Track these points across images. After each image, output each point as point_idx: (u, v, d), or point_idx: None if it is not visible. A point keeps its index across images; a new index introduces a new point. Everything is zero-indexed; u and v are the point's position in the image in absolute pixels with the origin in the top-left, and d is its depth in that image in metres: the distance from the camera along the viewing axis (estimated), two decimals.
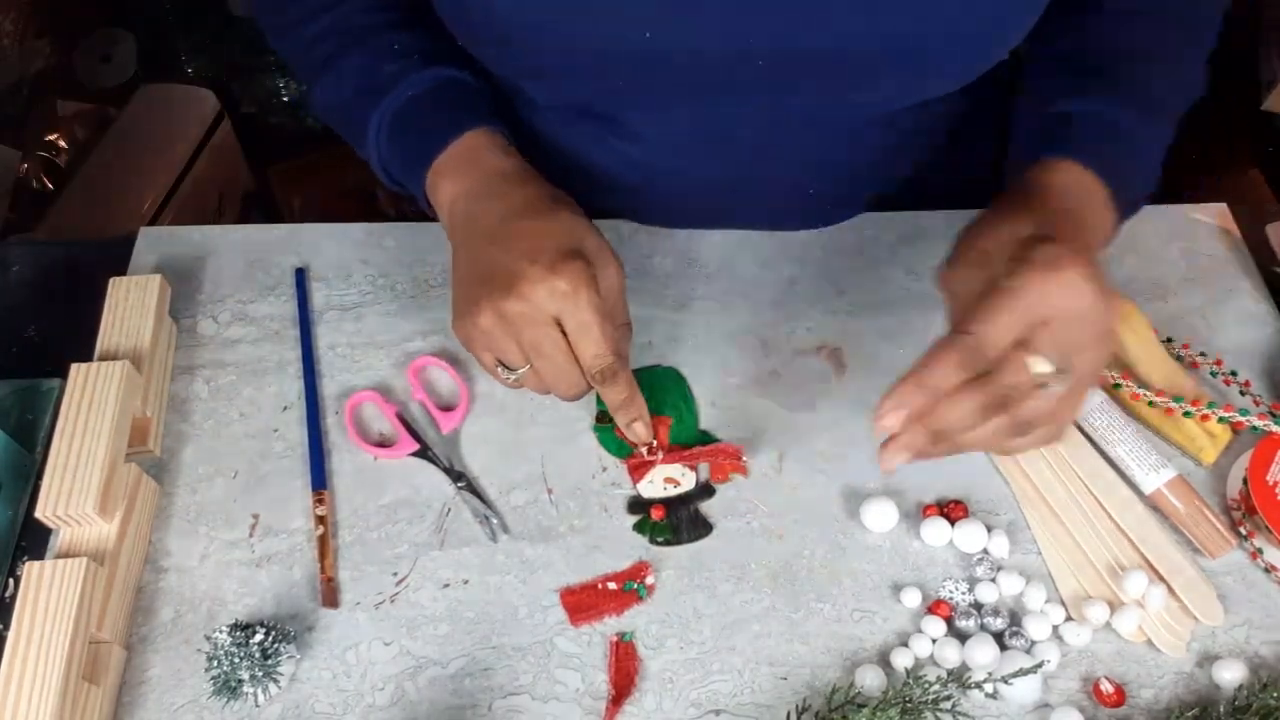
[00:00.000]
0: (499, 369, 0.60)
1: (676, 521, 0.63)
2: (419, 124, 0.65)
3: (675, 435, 0.67)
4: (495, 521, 0.63)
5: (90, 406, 0.61)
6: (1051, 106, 0.63)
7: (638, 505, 0.64)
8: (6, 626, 0.55)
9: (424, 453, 0.66)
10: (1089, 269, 0.51)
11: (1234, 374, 0.68)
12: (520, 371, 0.59)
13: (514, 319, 0.57)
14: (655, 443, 0.65)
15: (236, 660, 0.55)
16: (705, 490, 0.65)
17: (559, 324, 0.57)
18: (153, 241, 0.77)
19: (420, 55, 0.66)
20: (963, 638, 0.59)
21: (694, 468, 0.65)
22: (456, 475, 0.65)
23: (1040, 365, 0.50)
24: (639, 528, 0.63)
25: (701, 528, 0.63)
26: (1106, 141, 0.60)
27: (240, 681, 0.55)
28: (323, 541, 0.62)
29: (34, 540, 0.63)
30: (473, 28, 0.63)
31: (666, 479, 0.65)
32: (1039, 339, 0.50)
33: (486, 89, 0.67)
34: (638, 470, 0.65)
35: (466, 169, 0.63)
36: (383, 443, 0.67)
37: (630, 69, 0.62)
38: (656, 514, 0.63)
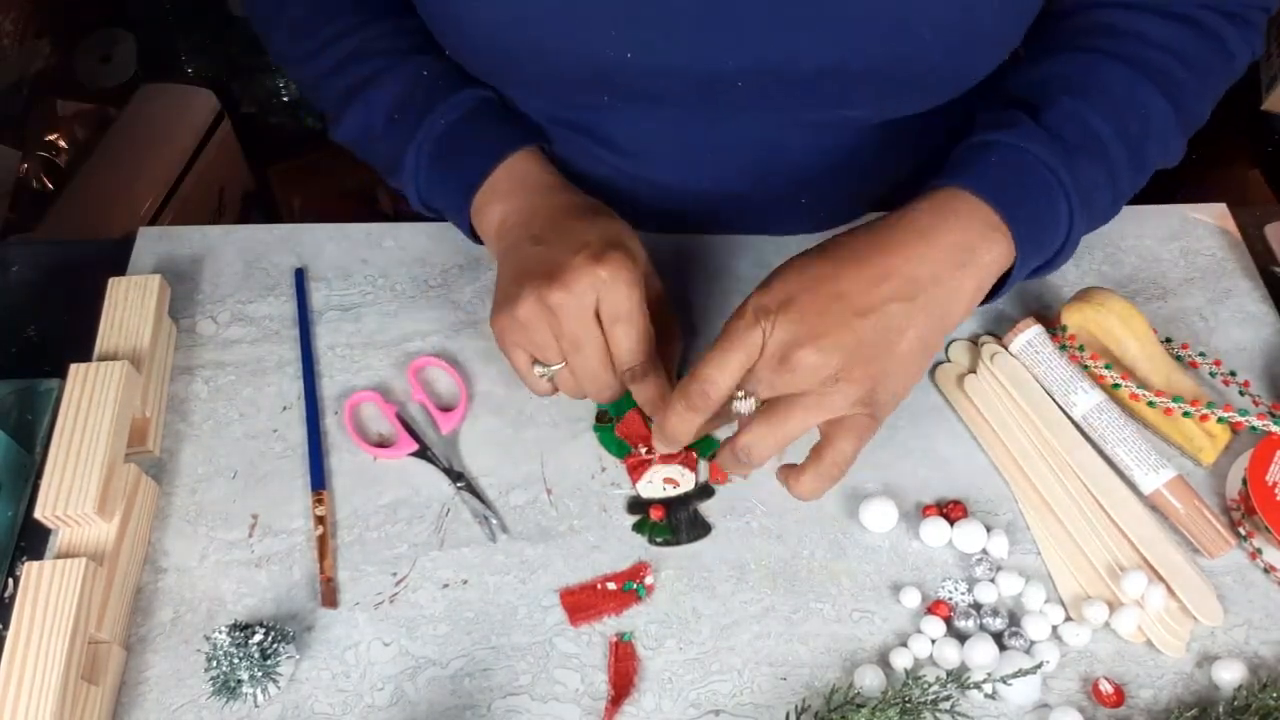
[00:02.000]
0: (533, 367, 0.60)
1: (676, 522, 0.63)
2: (459, 151, 0.65)
3: None
4: (494, 522, 0.63)
5: (89, 407, 0.61)
6: (968, 140, 0.62)
7: (637, 505, 0.64)
8: (6, 626, 0.55)
9: (423, 453, 0.66)
10: (792, 314, 0.54)
11: (1233, 374, 0.68)
12: (555, 368, 0.60)
13: (555, 309, 0.57)
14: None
15: (236, 660, 0.55)
16: (704, 491, 0.65)
17: (599, 319, 0.58)
18: (152, 241, 0.77)
19: (450, 79, 0.66)
20: (962, 638, 0.59)
21: (694, 468, 0.65)
22: (456, 475, 0.65)
23: (738, 404, 0.56)
24: (638, 528, 0.63)
25: (700, 528, 0.63)
26: (1006, 168, 0.59)
27: (239, 682, 0.55)
28: (322, 542, 0.62)
29: (33, 540, 0.63)
30: (459, 42, 0.64)
31: (666, 479, 0.65)
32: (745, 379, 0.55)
33: (516, 109, 0.68)
34: (637, 470, 0.65)
35: (511, 191, 0.64)
36: (382, 443, 0.67)
37: (613, 86, 0.62)
38: (656, 514, 0.63)
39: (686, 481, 0.65)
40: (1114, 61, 0.62)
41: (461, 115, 0.65)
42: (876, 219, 0.59)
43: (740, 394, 0.55)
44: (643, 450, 0.66)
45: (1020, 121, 0.60)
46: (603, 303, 0.57)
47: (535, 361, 0.61)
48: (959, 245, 0.56)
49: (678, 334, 0.66)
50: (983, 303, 0.59)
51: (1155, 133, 0.62)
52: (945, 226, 0.56)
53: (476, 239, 0.66)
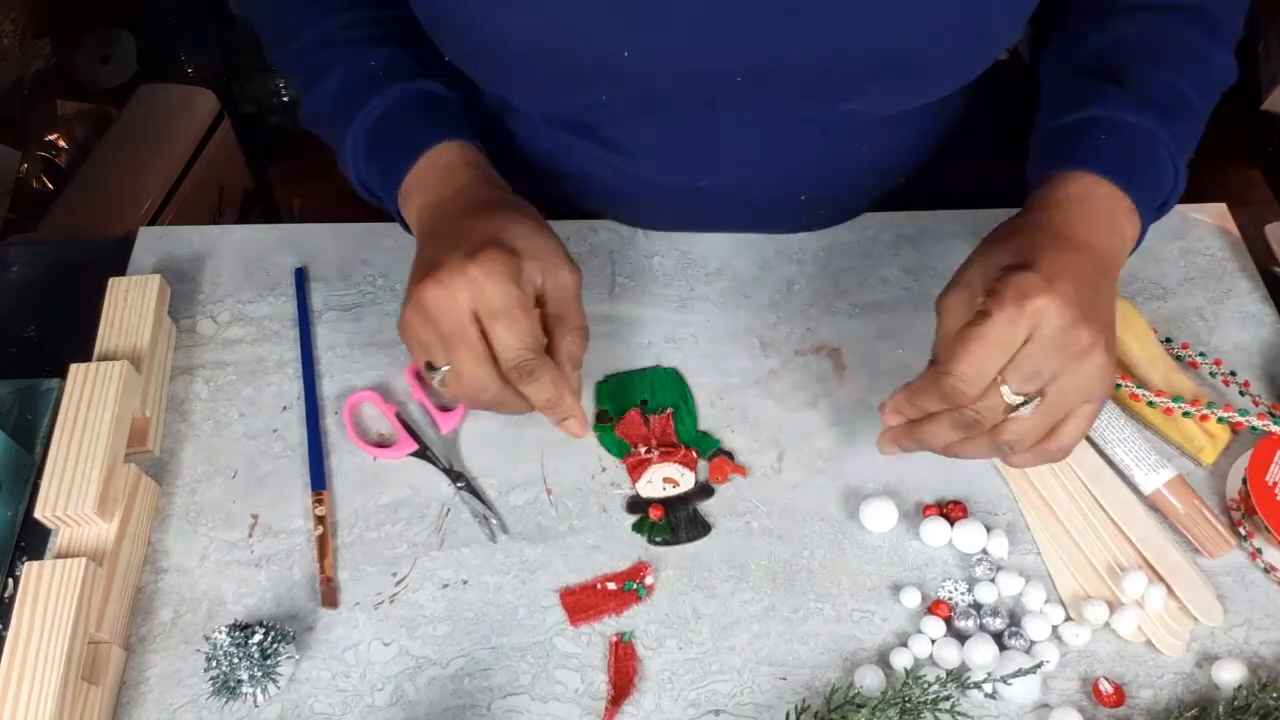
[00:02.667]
0: (428, 370, 0.59)
1: (675, 521, 0.63)
2: (389, 141, 0.65)
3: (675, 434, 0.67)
4: (494, 522, 0.63)
5: (89, 407, 0.61)
6: (1060, 119, 0.62)
7: (636, 505, 0.64)
8: (6, 626, 0.55)
9: (423, 453, 0.66)
10: (1059, 295, 0.52)
11: (1233, 374, 0.68)
12: (441, 371, 0.57)
13: (431, 308, 0.56)
14: (580, 430, 0.61)
15: (236, 660, 0.55)
16: (704, 490, 0.65)
17: (477, 318, 0.56)
18: (152, 241, 0.77)
19: (393, 71, 0.66)
20: (962, 638, 0.59)
21: (693, 468, 0.65)
22: (456, 475, 0.65)
23: (1009, 395, 0.53)
24: (638, 527, 0.63)
25: (700, 527, 0.63)
26: (1118, 145, 0.60)
27: (239, 682, 0.55)
28: (322, 542, 0.62)
29: (33, 540, 0.63)
30: (456, 44, 0.64)
31: (665, 479, 0.65)
32: (1008, 370, 0.52)
33: (458, 101, 0.67)
34: (636, 470, 0.65)
35: (431, 183, 0.63)
36: (382, 443, 0.67)
37: (611, 85, 0.62)
38: (655, 514, 0.63)
39: (686, 481, 0.65)
40: (1168, 17, 0.64)
41: (395, 106, 0.65)
42: (1022, 214, 0.59)
43: (1017, 397, 0.53)
44: (642, 450, 0.66)
45: (1114, 95, 0.61)
46: (477, 300, 0.55)
47: (428, 365, 0.59)
48: (1111, 230, 0.58)
49: (582, 335, 0.62)
50: None
51: (1217, 68, 0.65)
52: (1091, 211, 0.58)
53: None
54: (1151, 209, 0.60)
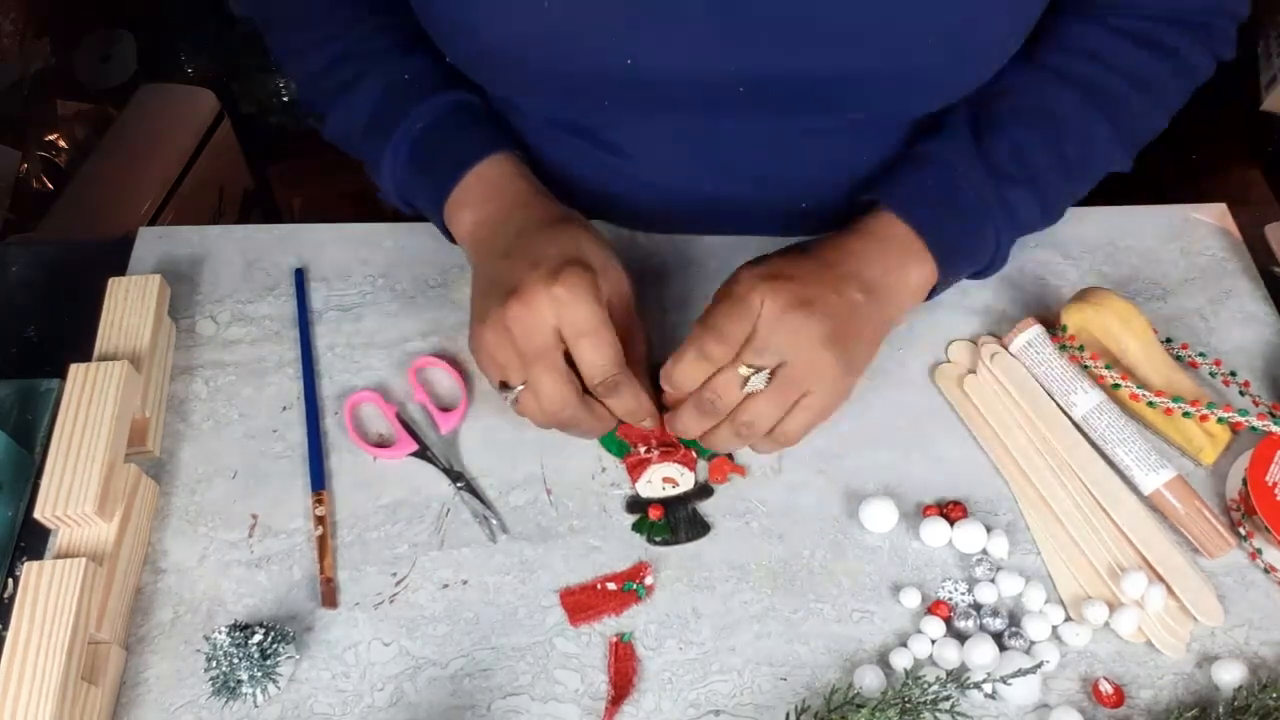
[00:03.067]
0: (502, 390, 0.60)
1: (674, 521, 0.63)
2: (433, 157, 0.65)
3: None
4: (494, 522, 0.63)
5: (89, 407, 0.61)
6: (919, 143, 0.66)
7: (636, 504, 0.64)
8: (6, 627, 0.55)
9: (423, 453, 0.66)
10: (781, 286, 0.57)
11: (1233, 374, 0.68)
12: (516, 389, 0.59)
13: (514, 328, 0.57)
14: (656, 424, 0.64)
15: (235, 661, 0.55)
16: (703, 490, 0.65)
17: (560, 337, 0.57)
18: (152, 242, 0.77)
19: (428, 81, 0.66)
20: (962, 638, 0.59)
21: (693, 468, 0.65)
22: (455, 475, 0.65)
23: (741, 370, 0.58)
24: (637, 527, 0.63)
25: (699, 527, 0.63)
26: (934, 187, 0.63)
27: (239, 682, 0.55)
28: (322, 542, 0.62)
29: (33, 540, 0.63)
30: (458, 49, 0.64)
31: (665, 478, 0.65)
32: (742, 352, 0.58)
33: (493, 113, 0.68)
34: (636, 469, 0.65)
35: (483, 199, 0.64)
36: (382, 443, 0.67)
37: (613, 91, 0.63)
38: (654, 513, 0.63)
39: (685, 481, 0.65)
40: (1063, 84, 0.65)
41: (436, 119, 0.65)
42: (815, 240, 0.64)
43: (749, 370, 0.58)
44: (642, 450, 0.66)
45: (961, 140, 0.64)
46: (562, 320, 0.57)
47: (502, 384, 0.60)
48: (893, 269, 0.62)
49: (644, 338, 0.65)
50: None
51: (1098, 154, 0.67)
52: (880, 249, 0.62)
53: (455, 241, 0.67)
54: (952, 265, 0.64)
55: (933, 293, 0.65)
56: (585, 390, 0.59)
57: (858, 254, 0.62)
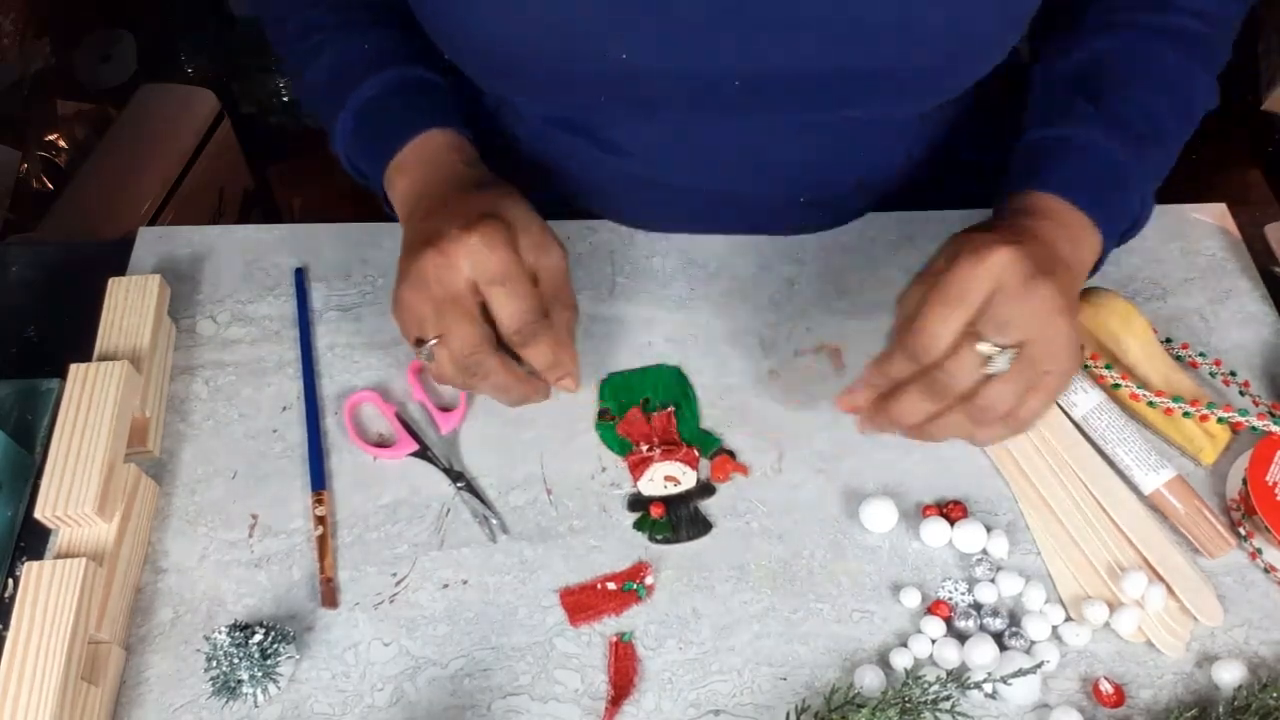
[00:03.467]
0: (416, 347, 0.59)
1: (676, 519, 0.63)
2: (380, 124, 0.65)
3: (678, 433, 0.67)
4: (495, 522, 0.63)
5: (89, 407, 0.61)
6: (1035, 134, 0.63)
7: (638, 503, 0.64)
8: (6, 626, 0.55)
9: (423, 453, 0.66)
10: (1018, 250, 0.51)
11: (1233, 374, 0.68)
12: (430, 343, 0.58)
13: (429, 278, 0.56)
14: (574, 385, 0.62)
15: (236, 661, 0.55)
16: (705, 489, 0.65)
17: (475, 289, 0.56)
18: (152, 242, 0.77)
19: (384, 55, 0.67)
20: (962, 638, 0.59)
21: (695, 466, 0.65)
22: (456, 475, 0.65)
23: (981, 346, 0.52)
24: (639, 525, 0.63)
25: (701, 526, 0.63)
26: (1085, 170, 0.60)
27: (239, 682, 0.55)
28: (322, 542, 0.62)
29: (33, 540, 0.63)
30: (453, 43, 0.64)
31: (667, 477, 0.65)
32: (978, 321, 0.52)
33: (447, 87, 0.68)
34: (638, 467, 0.65)
35: (420, 167, 0.64)
36: (382, 443, 0.67)
37: (608, 87, 0.63)
38: (656, 511, 0.63)
39: (687, 479, 0.65)
40: (1154, 37, 0.64)
41: (386, 90, 0.66)
42: (989, 221, 0.59)
43: (992, 348, 0.52)
44: (644, 448, 0.66)
45: (1088, 115, 0.62)
46: (477, 269, 0.56)
47: (418, 341, 0.59)
48: (1073, 244, 0.58)
49: (573, 304, 0.62)
50: None
51: (1199, 94, 0.65)
52: (1059, 228, 0.57)
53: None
54: (1114, 235, 0.61)
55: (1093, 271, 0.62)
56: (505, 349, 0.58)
57: (1048, 231, 0.57)
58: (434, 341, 0.58)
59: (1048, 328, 0.52)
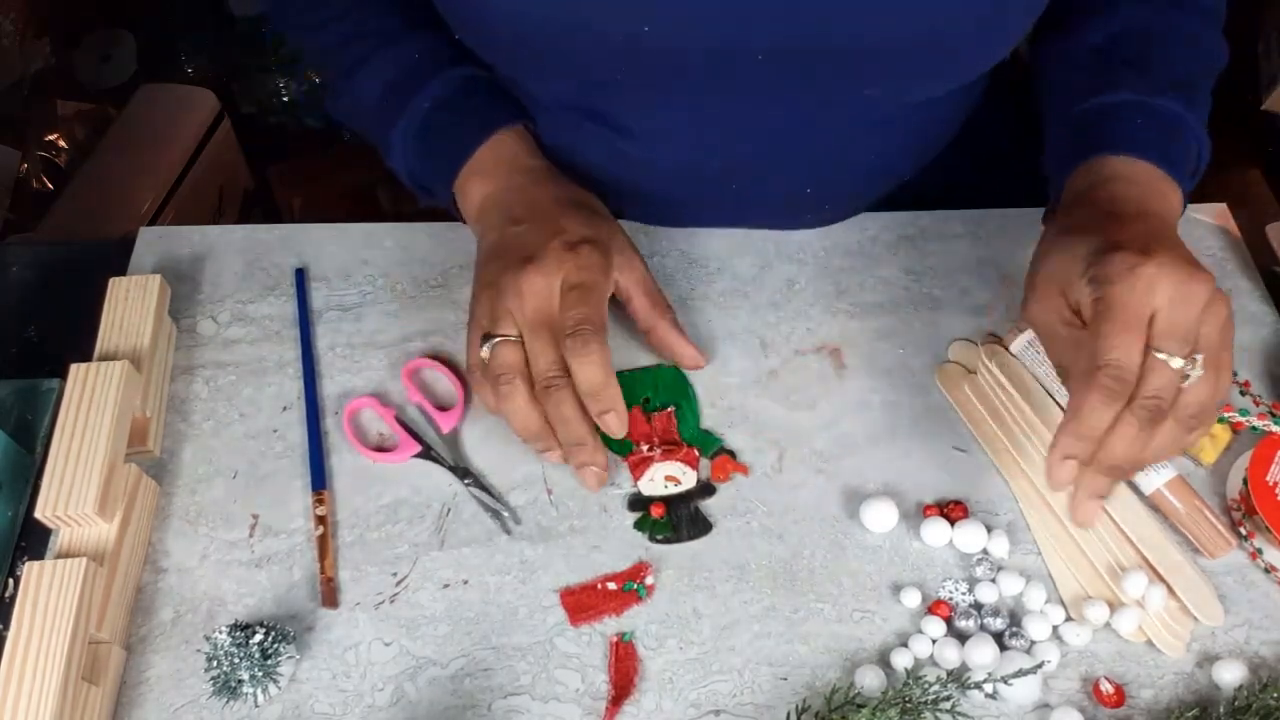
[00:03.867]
0: (481, 342, 0.60)
1: (677, 519, 0.63)
2: (445, 130, 0.65)
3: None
4: (506, 514, 0.63)
5: (90, 407, 0.61)
6: (1082, 105, 0.64)
7: (638, 503, 0.64)
8: (6, 626, 0.55)
9: (426, 454, 0.66)
10: (1162, 256, 0.53)
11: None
12: (497, 340, 0.59)
13: (525, 290, 0.58)
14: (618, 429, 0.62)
15: (236, 660, 0.55)
16: (706, 489, 0.65)
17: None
18: (152, 241, 0.77)
19: (440, 58, 0.66)
20: (962, 638, 0.59)
21: (695, 466, 0.65)
22: (463, 473, 0.65)
23: (1174, 361, 0.52)
24: (639, 525, 0.63)
25: (701, 525, 0.63)
26: (1150, 127, 0.62)
27: (240, 682, 0.55)
28: (322, 542, 0.62)
29: (33, 540, 0.63)
30: (470, 23, 0.64)
31: (667, 477, 0.65)
32: (1157, 339, 0.52)
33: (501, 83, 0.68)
34: (638, 467, 0.65)
35: (495, 170, 0.64)
36: (383, 446, 0.67)
37: (628, 64, 0.62)
38: (656, 511, 0.63)
39: (688, 479, 0.65)
40: (1166, 6, 0.67)
41: (447, 94, 0.66)
42: (1066, 209, 0.61)
43: (1181, 361, 0.52)
44: (644, 448, 0.66)
45: (1135, 79, 0.64)
46: (566, 282, 0.58)
47: (485, 336, 0.60)
48: (1159, 198, 0.60)
49: (666, 305, 0.67)
50: None
51: (1215, 53, 0.68)
52: (1145, 189, 0.60)
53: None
54: (1186, 181, 0.62)
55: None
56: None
57: (1136, 196, 0.59)
58: (498, 340, 0.59)
59: (1215, 314, 0.53)
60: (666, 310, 0.66)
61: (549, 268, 0.57)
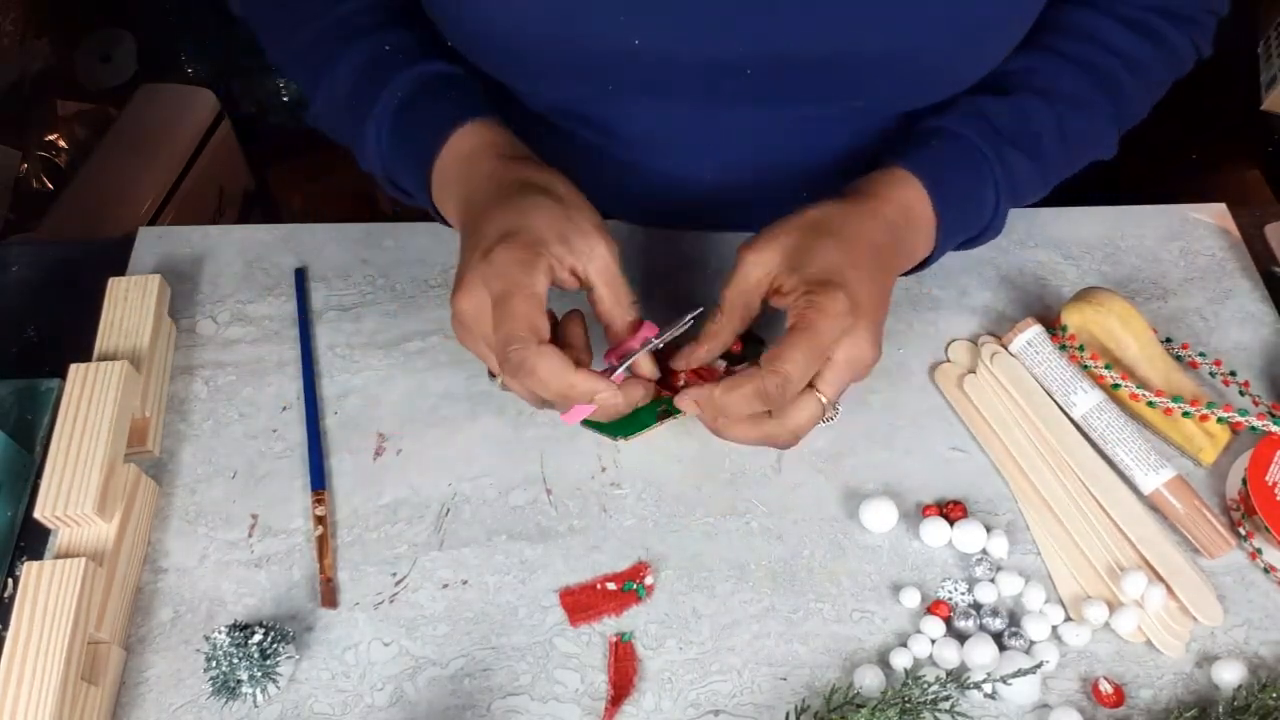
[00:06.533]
0: (490, 380, 0.60)
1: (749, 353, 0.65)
2: (411, 131, 0.64)
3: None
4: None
5: (89, 407, 0.61)
6: (927, 121, 0.65)
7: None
8: (5, 627, 0.55)
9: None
10: (869, 320, 0.56)
11: (1233, 374, 0.68)
12: (499, 379, 0.58)
13: (465, 320, 0.56)
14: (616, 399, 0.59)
15: (235, 661, 0.55)
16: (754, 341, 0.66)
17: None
18: (152, 242, 0.77)
19: (408, 52, 0.65)
20: (962, 638, 0.59)
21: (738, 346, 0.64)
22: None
23: (825, 405, 0.58)
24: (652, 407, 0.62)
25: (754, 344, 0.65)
26: (944, 152, 0.63)
27: (239, 682, 0.55)
28: (322, 542, 0.62)
29: (33, 540, 0.63)
30: (461, 29, 0.64)
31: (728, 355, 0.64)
32: (824, 383, 0.57)
33: (473, 80, 0.66)
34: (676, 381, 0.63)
35: (459, 176, 0.62)
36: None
37: (619, 74, 0.62)
38: (735, 347, 0.62)
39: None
40: (1064, 62, 0.66)
41: (414, 91, 0.63)
42: (854, 202, 0.61)
43: (825, 403, 0.58)
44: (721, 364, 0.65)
45: (965, 109, 0.64)
46: (491, 294, 0.55)
47: (491, 374, 0.59)
48: (909, 245, 0.62)
49: (634, 300, 0.60)
50: (909, 273, 0.65)
51: (1094, 131, 0.68)
52: (907, 226, 0.61)
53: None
54: (954, 229, 0.63)
55: (924, 263, 0.65)
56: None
57: (890, 232, 0.60)
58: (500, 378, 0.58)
59: (869, 362, 0.57)
60: (631, 307, 0.60)
61: (472, 286, 0.55)
